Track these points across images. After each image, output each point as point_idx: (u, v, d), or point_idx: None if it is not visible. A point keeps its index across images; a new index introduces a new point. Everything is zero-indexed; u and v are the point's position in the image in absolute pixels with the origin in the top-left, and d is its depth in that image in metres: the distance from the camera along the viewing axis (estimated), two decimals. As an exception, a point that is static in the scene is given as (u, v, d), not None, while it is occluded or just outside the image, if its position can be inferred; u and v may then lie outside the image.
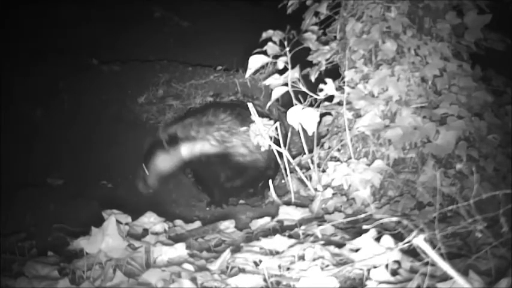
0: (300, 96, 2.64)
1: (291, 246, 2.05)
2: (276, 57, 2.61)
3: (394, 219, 2.09)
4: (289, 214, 2.44)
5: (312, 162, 2.77)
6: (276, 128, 2.86)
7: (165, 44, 4.69)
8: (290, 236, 2.16)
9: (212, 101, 3.91)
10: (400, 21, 2.63)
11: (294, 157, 2.88)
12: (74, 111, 3.87)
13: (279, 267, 1.95)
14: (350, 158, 2.67)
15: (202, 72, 4.15)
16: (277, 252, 2.06)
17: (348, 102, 2.65)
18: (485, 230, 1.90)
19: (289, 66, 2.62)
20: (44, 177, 3.40)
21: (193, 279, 1.91)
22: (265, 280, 1.88)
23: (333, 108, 2.75)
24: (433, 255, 1.47)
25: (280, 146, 2.82)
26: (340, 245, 2.02)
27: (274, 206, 2.85)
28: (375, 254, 1.88)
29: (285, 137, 2.98)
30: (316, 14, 2.79)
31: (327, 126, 2.92)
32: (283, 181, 3.08)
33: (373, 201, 2.52)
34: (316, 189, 2.67)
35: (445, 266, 1.45)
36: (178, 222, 2.63)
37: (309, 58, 2.79)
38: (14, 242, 2.43)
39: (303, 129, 2.62)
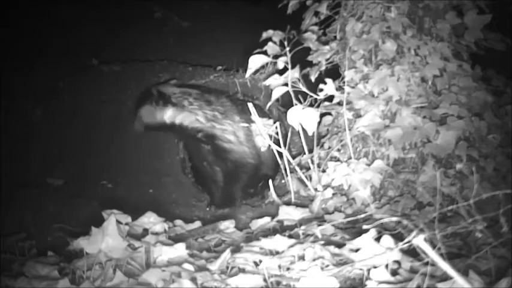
0: (300, 96, 2.64)
1: (291, 246, 2.05)
2: (276, 57, 2.61)
3: (394, 219, 2.09)
4: (289, 214, 2.44)
5: (312, 162, 2.77)
6: (276, 128, 2.86)
7: (165, 44, 4.68)
8: (290, 236, 2.17)
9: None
10: (400, 21, 2.63)
11: (294, 157, 2.88)
12: (74, 111, 3.86)
13: (279, 267, 1.95)
14: (350, 158, 2.67)
15: (202, 72, 4.15)
16: (277, 252, 2.06)
17: (348, 102, 2.65)
18: (485, 230, 1.90)
19: (289, 66, 2.62)
20: (44, 177, 3.39)
21: (193, 279, 1.91)
22: (265, 280, 1.88)
23: (333, 108, 2.75)
24: (433, 255, 1.47)
25: (280, 146, 2.82)
26: (340, 245, 2.02)
27: (274, 206, 2.85)
28: (375, 254, 1.88)
29: (285, 137, 2.98)
30: (316, 14, 2.79)
31: (327, 126, 2.92)
32: (283, 181, 3.08)
33: (373, 201, 2.52)
34: (316, 189, 2.67)
35: (445, 266, 1.45)
36: (178, 222, 2.63)
37: (309, 58, 2.79)
38: (14, 242, 2.43)
39: (303, 129, 2.62)
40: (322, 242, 2.05)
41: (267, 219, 2.49)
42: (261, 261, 1.99)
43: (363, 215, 2.33)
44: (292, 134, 3.05)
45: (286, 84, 2.63)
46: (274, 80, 2.66)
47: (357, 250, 1.94)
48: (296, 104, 2.61)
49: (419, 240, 1.49)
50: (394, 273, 1.82)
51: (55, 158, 3.55)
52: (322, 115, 2.80)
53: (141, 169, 3.64)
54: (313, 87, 2.64)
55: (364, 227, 2.00)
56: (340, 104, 2.68)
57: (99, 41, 4.47)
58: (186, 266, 2.01)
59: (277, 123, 2.87)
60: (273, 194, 2.97)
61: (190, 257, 2.16)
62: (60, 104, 3.90)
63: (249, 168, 3.37)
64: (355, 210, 2.53)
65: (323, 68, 2.78)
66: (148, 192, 3.47)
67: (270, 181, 2.97)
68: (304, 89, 2.62)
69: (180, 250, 2.16)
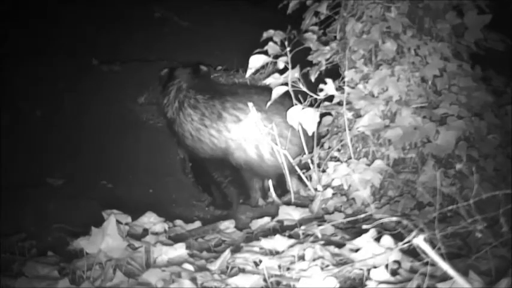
0: (300, 96, 2.64)
1: (291, 246, 2.05)
2: (276, 57, 2.61)
3: (394, 219, 2.09)
4: (289, 214, 2.44)
5: (312, 162, 2.77)
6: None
7: (165, 44, 4.69)
8: (290, 236, 2.17)
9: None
10: (400, 21, 2.62)
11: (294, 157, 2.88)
12: (74, 111, 3.86)
13: (279, 267, 1.95)
14: (350, 158, 2.67)
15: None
16: (277, 252, 2.06)
17: (348, 102, 2.65)
18: (485, 230, 1.89)
19: (290, 66, 2.62)
20: (44, 177, 3.39)
21: (193, 279, 1.91)
22: (265, 280, 1.88)
23: (333, 108, 2.75)
24: (433, 255, 1.47)
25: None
26: (340, 245, 2.02)
27: (274, 206, 2.85)
28: (375, 254, 1.88)
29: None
30: (316, 14, 2.79)
31: (327, 126, 2.92)
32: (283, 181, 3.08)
33: (373, 201, 2.52)
34: (316, 189, 2.67)
35: (445, 266, 1.45)
36: (178, 222, 2.63)
37: (309, 58, 2.79)
38: (14, 242, 2.42)
39: (303, 129, 2.62)
40: (322, 242, 2.05)
41: (267, 219, 2.49)
42: (261, 261, 1.99)
43: (363, 215, 2.33)
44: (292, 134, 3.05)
45: (286, 84, 2.63)
46: (274, 80, 2.66)
47: (357, 250, 1.94)
48: (296, 104, 2.60)
49: (419, 240, 1.49)
50: (394, 273, 1.82)
51: (55, 158, 3.55)
52: (322, 115, 2.80)
53: (141, 169, 3.63)
54: (313, 87, 2.64)
55: (364, 227, 2.00)
56: (340, 104, 2.68)
57: (99, 41, 4.48)
58: (186, 266, 2.01)
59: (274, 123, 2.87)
60: (273, 194, 2.98)
61: (190, 257, 2.16)
62: (60, 104, 3.90)
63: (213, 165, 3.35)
64: (355, 210, 2.53)
65: (323, 68, 2.78)
66: (148, 192, 3.47)
67: (270, 181, 2.97)
68: (304, 89, 2.62)
69: (180, 250, 2.16)
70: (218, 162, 3.30)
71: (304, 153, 2.83)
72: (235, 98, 3.21)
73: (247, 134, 3.11)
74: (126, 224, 2.42)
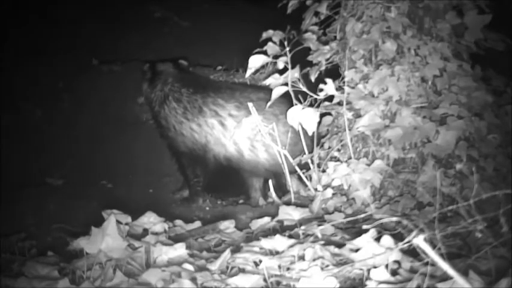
0: (300, 96, 2.64)
1: (291, 246, 2.05)
2: (276, 57, 2.61)
3: (394, 219, 2.09)
4: (289, 214, 2.44)
5: (312, 162, 2.77)
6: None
7: (165, 43, 4.69)
8: (290, 236, 2.17)
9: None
10: (400, 21, 2.62)
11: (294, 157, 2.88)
12: (74, 111, 3.87)
13: (279, 267, 1.95)
14: (350, 158, 2.67)
15: (202, 72, 4.15)
16: (277, 252, 2.06)
17: (348, 102, 2.65)
18: (485, 230, 1.90)
19: (289, 66, 2.62)
20: (44, 177, 3.40)
21: (193, 279, 1.91)
22: (265, 280, 1.88)
23: (333, 108, 2.75)
24: (433, 255, 1.47)
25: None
26: (340, 245, 2.02)
27: (274, 206, 2.85)
28: (375, 254, 1.88)
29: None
30: (316, 14, 2.79)
31: (327, 126, 2.92)
32: (283, 181, 3.08)
33: (373, 201, 2.52)
34: (316, 189, 2.67)
35: (445, 266, 1.45)
36: (178, 222, 2.63)
37: (309, 58, 2.79)
38: (14, 242, 2.43)
39: (303, 129, 2.62)
40: (322, 242, 2.05)
41: (267, 219, 2.49)
42: (261, 261, 1.99)
43: (363, 215, 2.33)
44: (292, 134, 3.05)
45: (286, 84, 2.63)
46: (274, 80, 2.66)
47: (357, 250, 1.94)
48: (296, 104, 2.60)
49: (419, 240, 1.49)
50: (394, 273, 1.82)
51: (55, 158, 3.56)
52: (322, 115, 2.80)
53: (141, 169, 3.64)
54: (313, 87, 2.64)
55: (364, 227, 2.00)
56: (340, 104, 2.68)
57: (99, 41, 4.48)
58: (186, 266, 2.01)
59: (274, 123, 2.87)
60: (273, 194, 2.97)
61: (190, 257, 2.16)
62: (60, 104, 3.91)
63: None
64: (355, 210, 2.53)
65: (323, 68, 2.78)
66: (148, 192, 3.47)
67: (270, 181, 2.97)
68: (304, 89, 2.62)
69: (180, 250, 2.17)
70: (194, 159, 3.33)
71: (305, 153, 2.83)
72: (217, 94, 3.23)
73: (226, 130, 3.14)
74: (126, 224, 2.42)
